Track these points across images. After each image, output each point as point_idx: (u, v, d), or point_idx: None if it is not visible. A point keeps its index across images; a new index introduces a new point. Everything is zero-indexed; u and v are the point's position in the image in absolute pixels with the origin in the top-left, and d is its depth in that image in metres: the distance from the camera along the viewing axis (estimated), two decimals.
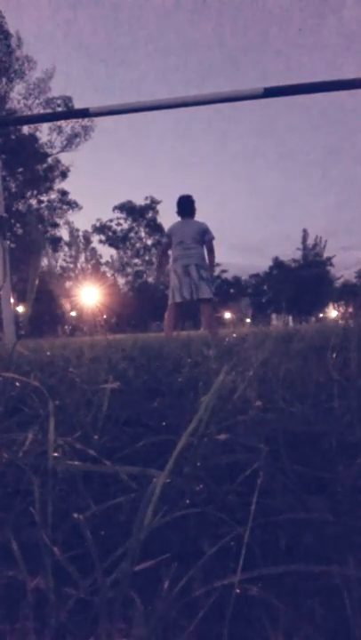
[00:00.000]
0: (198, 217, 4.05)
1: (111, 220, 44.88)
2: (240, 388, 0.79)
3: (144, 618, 0.34)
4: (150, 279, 43.70)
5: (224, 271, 53.98)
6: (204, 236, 3.90)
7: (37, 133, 27.11)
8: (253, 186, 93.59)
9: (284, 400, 0.79)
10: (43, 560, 0.37)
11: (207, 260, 3.96)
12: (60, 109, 27.18)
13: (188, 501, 0.49)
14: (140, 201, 44.88)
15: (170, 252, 4.04)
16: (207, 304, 3.84)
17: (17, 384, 0.95)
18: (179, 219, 4.04)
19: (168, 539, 0.46)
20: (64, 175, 29.78)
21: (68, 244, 42.95)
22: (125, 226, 44.83)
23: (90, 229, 44.92)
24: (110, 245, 45.18)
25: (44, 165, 28.43)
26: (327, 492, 0.53)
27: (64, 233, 43.34)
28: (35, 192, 28.39)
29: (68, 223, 39.49)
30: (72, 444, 0.61)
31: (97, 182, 76.64)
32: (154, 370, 1.24)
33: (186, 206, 3.99)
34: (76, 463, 0.51)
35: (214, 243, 3.96)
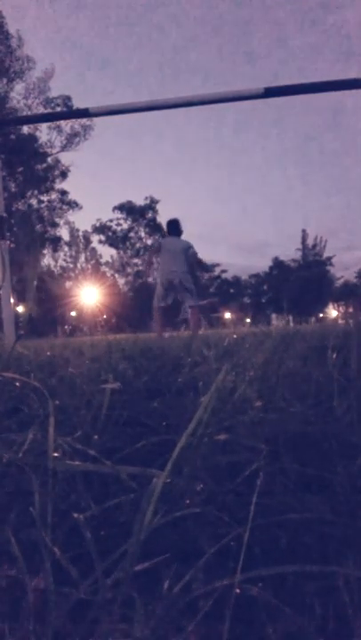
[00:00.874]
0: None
1: (111, 220, 44.94)
2: (240, 388, 0.79)
3: (144, 618, 0.34)
4: (150, 279, 43.79)
5: (224, 271, 53.98)
6: (188, 251, 4.73)
7: (37, 133, 27.14)
8: (254, 186, 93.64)
9: (284, 400, 0.79)
10: (43, 560, 0.37)
11: (190, 271, 4.79)
12: (59, 108, 27.22)
13: (188, 501, 0.49)
14: (140, 201, 44.98)
15: (158, 260, 4.88)
16: (194, 309, 4.68)
17: (17, 384, 0.95)
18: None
19: (168, 538, 0.46)
20: (64, 175, 29.81)
21: (68, 244, 42.96)
22: (125, 226, 44.90)
23: (90, 229, 44.99)
24: (110, 245, 45.20)
25: (44, 165, 28.44)
26: (327, 491, 0.53)
27: (64, 233, 43.41)
28: (35, 192, 28.40)
29: (68, 223, 39.46)
30: (72, 444, 0.61)
31: (97, 182, 76.57)
32: (154, 370, 1.24)
33: (174, 227, 4.87)
34: (76, 463, 0.51)
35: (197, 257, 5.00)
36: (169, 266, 4.63)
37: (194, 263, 4.79)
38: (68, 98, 27.90)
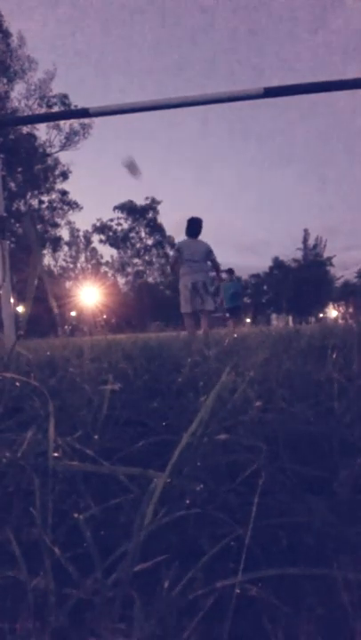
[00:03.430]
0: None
1: (111, 220, 44.93)
2: (240, 387, 0.79)
3: (144, 618, 0.34)
4: (150, 279, 43.83)
5: (224, 271, 53.90)
6: (210, 255, 4.69)
7: (36, 132, 27.09)
8: (254, 185, 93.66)
9: (284, 400, 0.79)
10: (43, 560, 0.37)
11: (212, 274, 4.81)
12: (56, 107, 27.18)
13: (188, 501, 0.49)
14: (140, 201, 44.97)
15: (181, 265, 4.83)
16: (207, 314, 4.66)
17: (17, 384, 0.95)
18: (185, 237, 4.71)
19: (168, 539, 0.46)
20: (65, 176, 29.79)
21: (69, 244, 42.94)
22: (126, 226, 44.90)
23: (90, 229, 44.97)
24: (110, 245, 45.21)
25: (44, 165, 28.42)
26: (327, 491, 0.53)
27: (65, 233, 43.41)
28: (35, 192, 28.39)
29: (68, 223, 39.41)
30: (72, 444, 0.61)
31: (97, 182, 76.60)
32: (154, 370, 1.24)
33: (195, 228, 4.67)
34: (76, 463, 0.51)
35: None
36: (192, 269, 4.58)
37: (217, 267, 4.86)
38: (65, 96, 27.81)
